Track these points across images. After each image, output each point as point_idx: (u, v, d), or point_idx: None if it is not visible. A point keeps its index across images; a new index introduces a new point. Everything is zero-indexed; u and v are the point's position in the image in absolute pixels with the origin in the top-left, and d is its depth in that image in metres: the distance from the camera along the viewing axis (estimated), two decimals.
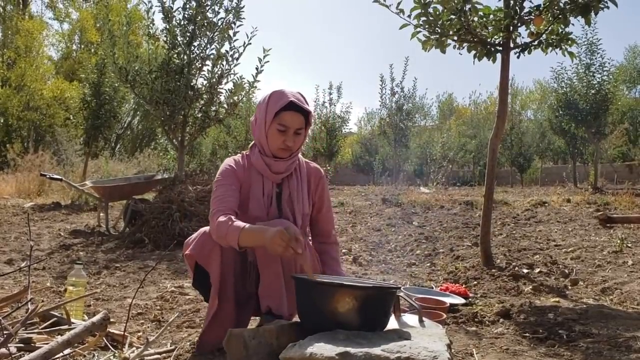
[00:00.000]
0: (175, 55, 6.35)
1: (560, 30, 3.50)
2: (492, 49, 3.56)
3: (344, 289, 1.64)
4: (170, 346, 2.10)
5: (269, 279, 1.95)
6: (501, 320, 2.54)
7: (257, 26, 6.25)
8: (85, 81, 11.96)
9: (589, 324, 2.41)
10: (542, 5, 3.42)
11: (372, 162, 21.86)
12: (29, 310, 1.83)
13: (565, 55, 3.58)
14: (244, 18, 6.33)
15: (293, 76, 57.17)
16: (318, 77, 66.91)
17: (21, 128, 20.28)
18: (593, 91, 12.44)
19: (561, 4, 3.35)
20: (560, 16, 3.37)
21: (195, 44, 6.37)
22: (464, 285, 3.26)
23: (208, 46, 6.40)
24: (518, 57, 3.63)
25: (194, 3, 6.26)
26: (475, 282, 3.36)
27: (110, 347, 1.93)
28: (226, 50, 6.38)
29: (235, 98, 6.53)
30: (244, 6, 6.31)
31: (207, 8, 6.29)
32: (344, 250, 4.68)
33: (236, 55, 6.39)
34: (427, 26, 3.49)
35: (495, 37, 3.55)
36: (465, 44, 3.60)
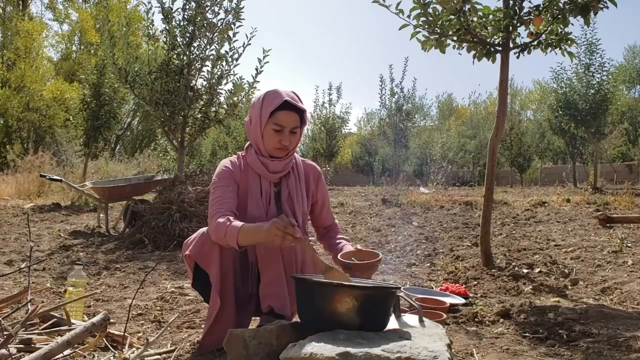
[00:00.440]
0: (175, 56, 6.35)
1: (560, 31, 3.50)
2: (492, 49, 3.56)
3: (344, 288, 1.63)
4: (170, 347, 2.10)
5: (270, 279, 1.95)
6: (501, 320, 2.54)
7: (257, 27, 6.27)
8: (85, 82, 11.98)
9: (589, 323, 2.41)
10: (541, 6, 3.42)
11: (372, 162, 21.89)
12: (29, 311, 1.83)
13: (564, 56, 3.58)
14: (243, 19, 6.35)
15: (293, 76, 57.32)
16: (318, 77, 67.01)
17: (21, 129, 20.30)
18: (592, 91, 12.43)
19: (560, 4, 3.35)
20: (559, 16, 3.37)
21: (195, 44, 6.38)
22: (464, 285, 3.26)
23: (208, 47, 6.41)
24: (517, 57, 3.64)
25: (193, 4, 6.26)
26: (475, 282, 3.36)
27: (110, 347, 1.93)
28: (226, 51, 6.39)
29: (235, 99, 6.54)
30: (243, 7, 6.33)
31: (207, 9, 6.29)
32: None
33: (236, 56, 6.40)
34: (426, 26, 3.49)
35: (495, 37, 3.55)
36: (464, 44, 3.60)
